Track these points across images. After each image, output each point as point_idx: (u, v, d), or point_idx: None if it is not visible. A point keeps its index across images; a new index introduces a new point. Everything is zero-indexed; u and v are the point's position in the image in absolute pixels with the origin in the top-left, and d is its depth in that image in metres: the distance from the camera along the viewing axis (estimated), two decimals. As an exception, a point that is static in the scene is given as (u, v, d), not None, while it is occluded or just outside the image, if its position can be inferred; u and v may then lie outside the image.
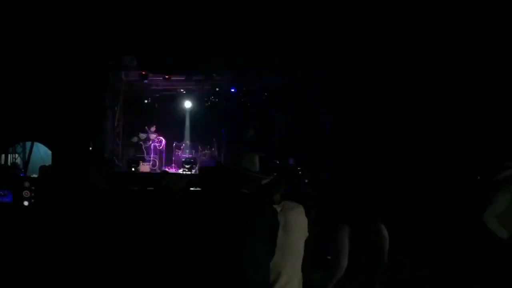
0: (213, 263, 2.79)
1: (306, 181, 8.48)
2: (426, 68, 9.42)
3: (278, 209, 3.00)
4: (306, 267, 3.18)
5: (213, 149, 13.79)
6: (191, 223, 3.00)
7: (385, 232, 3.55)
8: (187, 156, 13.40)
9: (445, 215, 8.10)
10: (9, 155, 11.99)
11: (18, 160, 12.35)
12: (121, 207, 3.68)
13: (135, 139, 13.35)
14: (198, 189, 6.26)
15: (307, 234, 3.13)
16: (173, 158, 13.66)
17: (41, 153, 12.17)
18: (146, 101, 13.81)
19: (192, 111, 14.26)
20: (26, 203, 5.97)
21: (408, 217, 7.57)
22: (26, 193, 6.01)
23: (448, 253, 6.92)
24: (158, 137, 13.47)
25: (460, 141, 9.34)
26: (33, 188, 6.01)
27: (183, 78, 12.88)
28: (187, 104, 14.17)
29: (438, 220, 7.98)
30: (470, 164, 9.24)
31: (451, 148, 9.43)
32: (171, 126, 14.05)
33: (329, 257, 3.70)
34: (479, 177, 9.17)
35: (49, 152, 11.90)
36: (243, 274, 2.74)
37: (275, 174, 3.32)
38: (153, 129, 13.39)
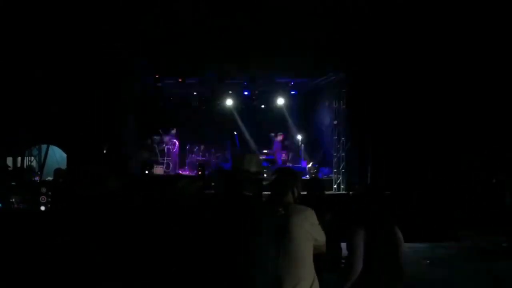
0: (214, 262, 2.82)
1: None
2: (426, 70, 9.38)
3: (282, 213, 2.95)
4: (321, 269, 3.16)
5: (226, 152, 13.81)
6: (194, 224, 3.02)
7: (400, 234, 3.52)
8: (200, 159, 13.45)
9: (445, 215, 8.05)
10: (25, 157, 12.13)
11: (34, 163, 12.50)
12: (134, 208, 3.71)
13: (149, 141, 13.42)
14: (212, 191, 6.29)
15: (316, 240, 3.07)
16: (187, 161, 13.72)
17: (57, 156, 12.31)
18: (160, 104, 13.89)
19: (205, 114, 14.30)
20: (42, 208, 6.05)
21: (409, 217, 7.52)
22: (42, 199, 6.09)
23: (448, 253, 6.88)
24: (172, 140, 13.53)
25: (460, 141, 9.28)
26: (49, 193, 6.08)
27: (196, 82, 12.92)
28: (200, 107, 14.23)
29: (438, 220, 7.95)
30: (470, 164, 9.17)
31: (451, 148, 9.37)
32: (185, 129, 14.12)
33: (343, 260, 3.68)
34: (494, 180, 9.10)
35: (64, 155, 12.02)
36: (242, 273, 2.75)
37: (276, 174, 3.31)
38: (173, 131, 13.50)
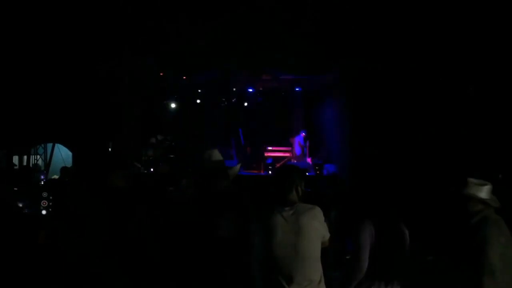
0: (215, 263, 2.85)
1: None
2: (431, 67, 9.34)
3: (290, 212, 2.94)
4: (326, 267, 3.16)
5: (230, 148, 13.79)
6: (196, 223, 3.04)
7: (406, 231, 3.51)
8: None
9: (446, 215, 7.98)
10: (31, 156, 12.21)
11: (40, 161, 12.57)
12: (139, 206, 3.73)
13: (153, 140, 13.41)
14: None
15: (324, 236, 3.07)
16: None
17: (62, 155, 12.38)
18: (164, 102, 13.90)
19: (209, 111, 14.30)
20: (44, 212, 6.22)
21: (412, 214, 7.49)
22: (44, 203, 6.25)
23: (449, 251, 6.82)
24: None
25: (466, 139, 9.23)
26: (50, 197, 6.23)
27: (200, 79, 12.92)
28: (205, 104, 14.23)
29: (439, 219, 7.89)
30: (476, 161, 9.11)
31: (457, 147, 9.32)
32: (190, 127, 14.13)
33: (348, 257, 3.68)
34: (500, 176, 9.03)
35: (70, 153, 12.08)
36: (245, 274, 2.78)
37: (280, 172, 3.31)
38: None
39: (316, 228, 2.98)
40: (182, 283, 2.95)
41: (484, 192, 3.30)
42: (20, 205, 6.18)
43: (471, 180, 3.34)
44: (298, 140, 13.39)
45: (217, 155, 3.41)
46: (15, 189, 6.74)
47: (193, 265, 2.95)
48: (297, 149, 13.34)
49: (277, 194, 3.01)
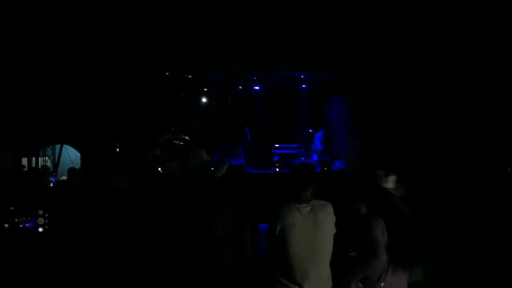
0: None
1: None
2: (440, 62, 9.27)
3: (308, 208, 2.97)
4: (331, 262, 3.16)
5: (237, 147, 13.78)
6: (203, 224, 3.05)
7: (414, 226, 3.51)
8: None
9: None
10: (39, 157, 12.30)
11: (48, 163, 12.66)
12: (145, 206, 3.73)
13: (161, 139, 13.43)
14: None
15: (335, 230, 3.11)
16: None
17: (70, 156, 12.46)
18: (172, 101, 13.91)
19: (216, 110, 14.29)
20: (40, 229, 6.38)
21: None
22: (40, 221, 6.40)
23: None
24: (184, 138, 13.51)
25: (474, 135, 9.16)
26: (46, 215, 6.35)
27: (206, 77, 12.91)
28: (212, 103, 14.22)
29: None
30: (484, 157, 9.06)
31: (466, 142, 9.25)
32: (196, 126, 14.14)
33: (352, 254, 3.65)
34: (509, 168, 8.94)
35: (78, 154, 12.14)
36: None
37: (296, 170, 3.30)
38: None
39: (331, 222, 3.05)
40: (180, 283, 2.96)
41: (389, 182, 3.45)
42: (16, 220, 6.31)
43: (378, 171, 3.50)
44: (319, 136, 13.38)
45: (204, 155, 3.41)
46: (11, 208, 6.85)
47: (191, 264, 2.95)
48: (318, 145, 13.31)
49: (294, 192, 3.04)
